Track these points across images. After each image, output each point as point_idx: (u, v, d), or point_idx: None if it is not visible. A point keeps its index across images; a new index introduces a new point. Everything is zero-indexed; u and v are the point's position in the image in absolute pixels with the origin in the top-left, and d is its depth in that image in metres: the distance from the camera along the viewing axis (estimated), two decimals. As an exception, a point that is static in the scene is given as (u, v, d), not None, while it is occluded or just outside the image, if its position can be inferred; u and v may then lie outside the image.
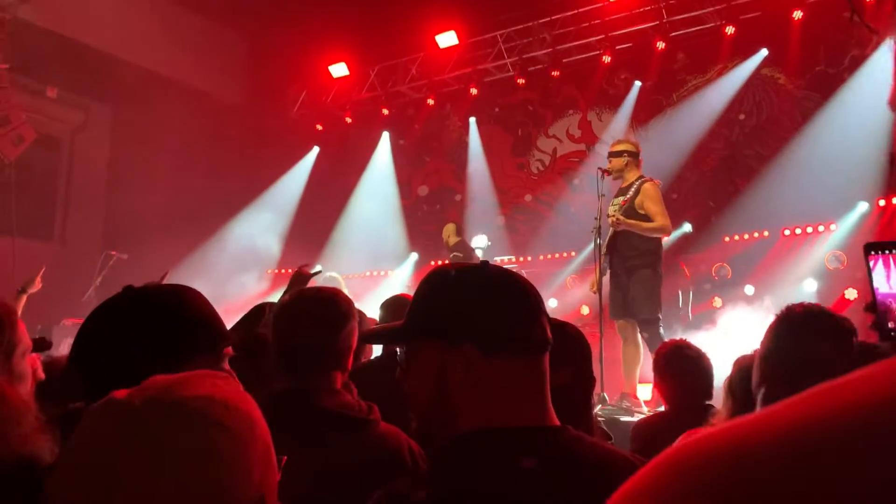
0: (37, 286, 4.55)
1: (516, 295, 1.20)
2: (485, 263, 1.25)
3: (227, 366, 1.46)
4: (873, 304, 1.12)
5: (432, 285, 1.24)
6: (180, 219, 9.83)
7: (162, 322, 1.36)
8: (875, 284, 1.02)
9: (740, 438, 0.33)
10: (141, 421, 0.74)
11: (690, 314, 6.70)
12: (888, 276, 1.01)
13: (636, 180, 5.65)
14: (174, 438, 0.74)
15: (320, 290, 2.06)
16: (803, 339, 1.81)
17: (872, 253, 1.00)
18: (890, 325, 1.18)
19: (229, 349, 1.47)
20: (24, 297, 4.45)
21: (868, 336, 1.55)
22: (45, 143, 10.11)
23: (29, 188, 9.62)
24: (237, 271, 10.05)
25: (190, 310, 1.41)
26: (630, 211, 5.53)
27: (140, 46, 10.56)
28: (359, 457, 1.70)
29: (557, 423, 1.17)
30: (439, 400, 1.18)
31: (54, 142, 10.65)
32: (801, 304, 1.94)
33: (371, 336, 1.57)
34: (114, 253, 7.95)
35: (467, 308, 1.18)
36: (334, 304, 1.91)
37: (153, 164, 10.14)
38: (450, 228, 8.54)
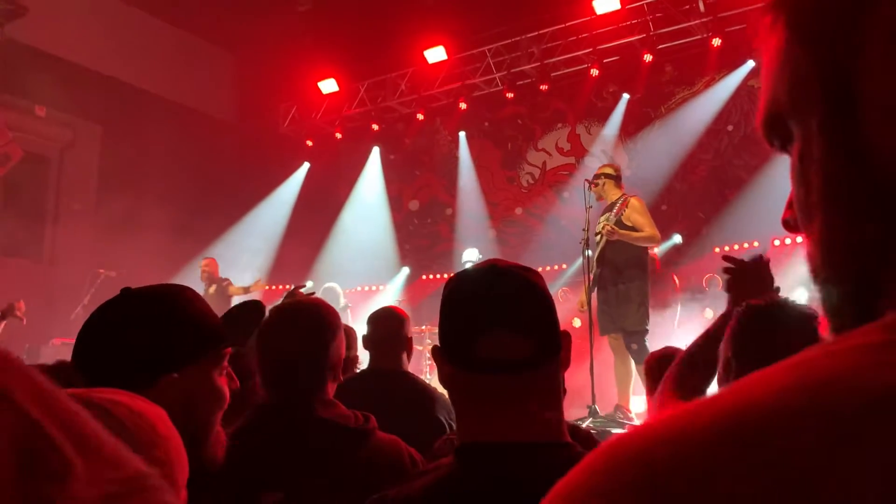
0: (20, 309, 4.45)
1: (470, 307, 1.13)
2: (489, 267, 1.16)
3: (226, 364, 1.44)
4: None
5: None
6: (169, 236, 9.79)
7: (163, 322, 1.35)
8: None
9: (676, 427, 0.33)
10: None
11: (677, 325, 6.71)
12: None
13: (619, 198, 5.78)
14: None
15: (305, 302, 2.04)
16: (769, 333, 1.82)
17: None
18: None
19: (229, 349, 1.45)
20: (4, 324, 4.38)
21: None
22: (33, 162, 10.06)
23: (17, 207, 9.57)
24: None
25: (189, 310, 1.40)
26: (618, 225, 5.62)
27: (129, 64, 10.55)
28: (358, 467, 1.69)
29: (554, 439, 1.12)
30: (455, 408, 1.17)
31: (43, 160, 10.60)
32: (761, 300, 1.95)
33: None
34: (102, 271, 7.89)
35: (440, 314, 1.16)
36: (322, 315, 1.89)
37: (142, 182, 10.12)
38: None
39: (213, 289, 8.22)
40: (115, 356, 1.29)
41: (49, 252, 10.52)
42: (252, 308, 1.58)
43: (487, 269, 1.16)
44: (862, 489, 0.29)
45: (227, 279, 8.53)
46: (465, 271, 1.22)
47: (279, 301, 3.18)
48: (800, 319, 1.72)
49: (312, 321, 1.86)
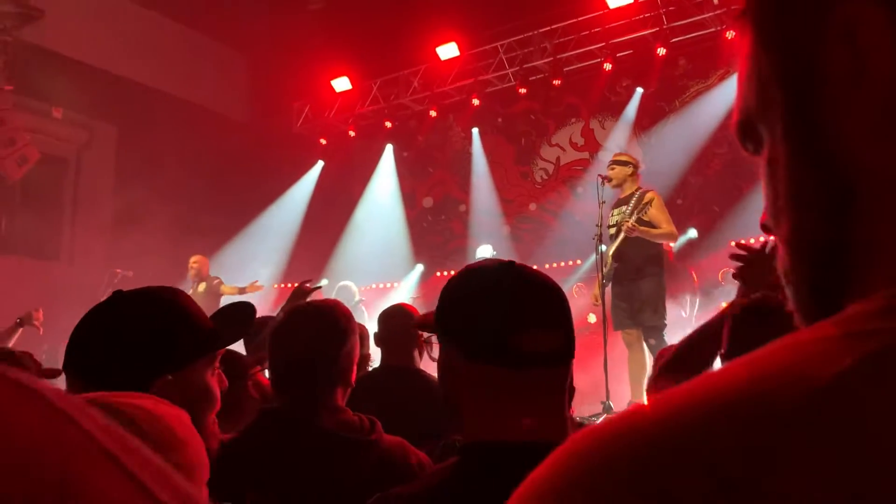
0: (38, 319, 4.49)
1: (506, 301, 1.12)
2: (510, 264, 1.19)
3: (217, 365, 1.44)
4: None
5: (450, 281, 1.21)
6: (185, 235, 9.85)
7: (159, 324, 1.34)
8: None
9: (626, 424, 0.33)
10: None
11: (695, 321, 6.67)
12: None
13: (636, 191, 5.76)
14: None
15: (319, 304, 2.01)
16: (754, 332, 1.80)
17: None
18: None
19: (222, 350, 1.45)
20: (20, 331, 4.40)
21: None
22: (51, 163, 10.16)
23: (36, 208, 9.68)
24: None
25: (184, 312, 1.39)
26: (637, 222, 5.61)
27: (143, 65, 10.63)
28: (364, 475, 1.67)
29: (559, 439, 1.10)
30: (449, 402, 1.16)
31: (61, 161, 10.71)
32: (751, 301, 1.92)
33: (419, 323, 1.51)
34: (119, 271, 7.95)
35: (456, 308, 1.15)
36: (334, 318, 1.85)
37: (158, 182, 10.18)
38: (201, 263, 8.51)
39: (201, 287, 8.13)
40: (110, 358, 1.29)
41: (67, 252, 10.63)
42: (242, 309, 1.57)
43: (508, 266, 1.18)
44: (803, 488, 0.28)
45: (217, 278, 8.36)
46: (479, 269, 1.21)
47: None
48: (792, 317, 1.69)
49: (323, 324, 1.83)
